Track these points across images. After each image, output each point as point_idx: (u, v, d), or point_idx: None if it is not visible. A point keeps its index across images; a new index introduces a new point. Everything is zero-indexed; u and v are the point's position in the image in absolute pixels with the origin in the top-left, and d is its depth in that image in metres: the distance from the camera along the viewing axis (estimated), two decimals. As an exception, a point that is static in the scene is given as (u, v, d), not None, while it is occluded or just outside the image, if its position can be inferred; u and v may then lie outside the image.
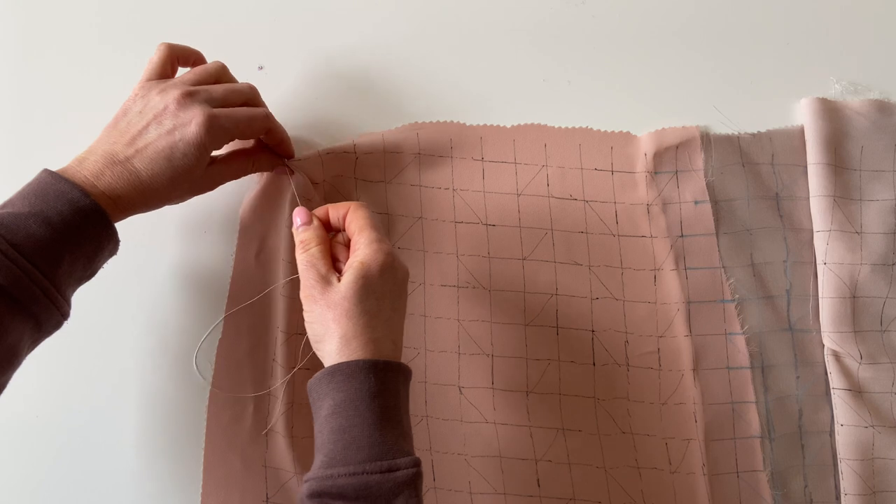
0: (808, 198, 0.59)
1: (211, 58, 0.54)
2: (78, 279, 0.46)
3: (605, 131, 0.60)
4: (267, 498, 0.54)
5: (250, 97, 0.51)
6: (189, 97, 0.47)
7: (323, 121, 0.60)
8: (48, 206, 0.42)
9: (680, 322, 0.57)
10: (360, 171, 0.58)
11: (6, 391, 0.43)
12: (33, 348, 0.45)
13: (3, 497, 0.55)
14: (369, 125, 0.59)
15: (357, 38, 0.61)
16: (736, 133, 0.60)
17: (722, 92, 0.61)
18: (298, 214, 0.50)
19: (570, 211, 0.58)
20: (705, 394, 0.56)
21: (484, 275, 0.58)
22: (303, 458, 0.55)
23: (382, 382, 0.42)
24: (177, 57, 0.52)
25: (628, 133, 0.60)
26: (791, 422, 0.57)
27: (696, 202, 0.59)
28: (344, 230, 0.49)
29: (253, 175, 0.56)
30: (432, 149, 0.59)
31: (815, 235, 0.58)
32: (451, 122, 0.60)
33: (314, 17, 0.62)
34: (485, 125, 0.60)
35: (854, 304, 0.57)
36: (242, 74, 0.59)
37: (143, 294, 0.57)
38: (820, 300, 0.57)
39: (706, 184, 0.58)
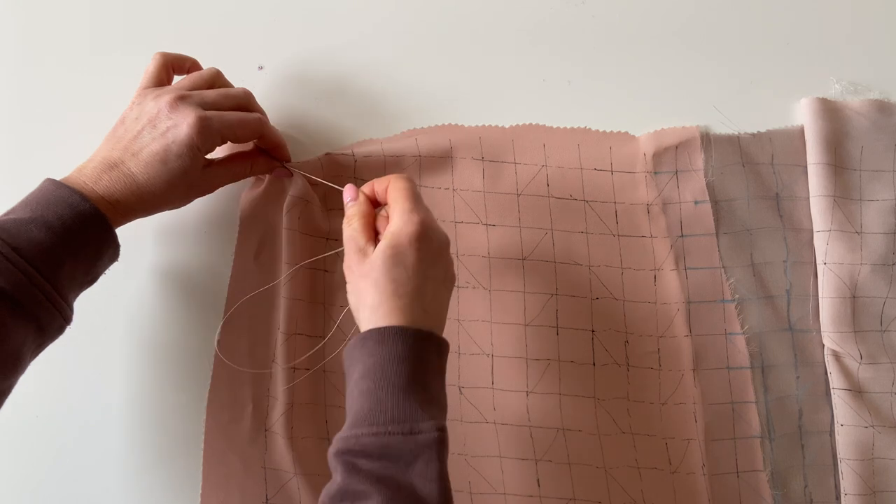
0: (808, 198, 0.59)
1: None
2: (80, 284, 0.47)
3: (605, 131, 0.60)
4: (267, 499, 0.54)
5: (244, 102, 0.52)
6: (181, 100, 0.48)
7: (323, 120, 0.60)
8: (49, 212, 0.43)
9: (680, 322, 0.57)
10: (360, 172, 0.58)
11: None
12: (37, 354, 0.45)
13: (3, 497, 0.55)
14: (369, 124, 0.60)
15: (357, 38, 0.61)
16: (736, 133, 0.60)
17: (722, 92, 0.61)
18: (347, 191, 0.51)
19: (570, 211, 0.58)
20: (705, 394, 0.56)
21: (484, 275, 0.58)
22: (303, 458, 0.55)
23: (410, 348, 0.43)
24: (172, 64, 0.53)
25: (627, 133, 0.60)
26: (791, 422, 0.57)
27: (696, 202, 0.59)
28: (387, 203, 0.50)
29: (251, 177, 0.56)
30: (432, 151, 0.59)
31: (815, 235, 0.58)
32: (451, 123, 0.60)
33: (314, 17, 0.62)
34: (484, 125, 0.60)
35: (854, 304, 0.57)
36: (242, 74, 0.60)
37: (141, 294, 0.57)
38: (820, 300, 0.57)
39: (706, 184, 0.58)
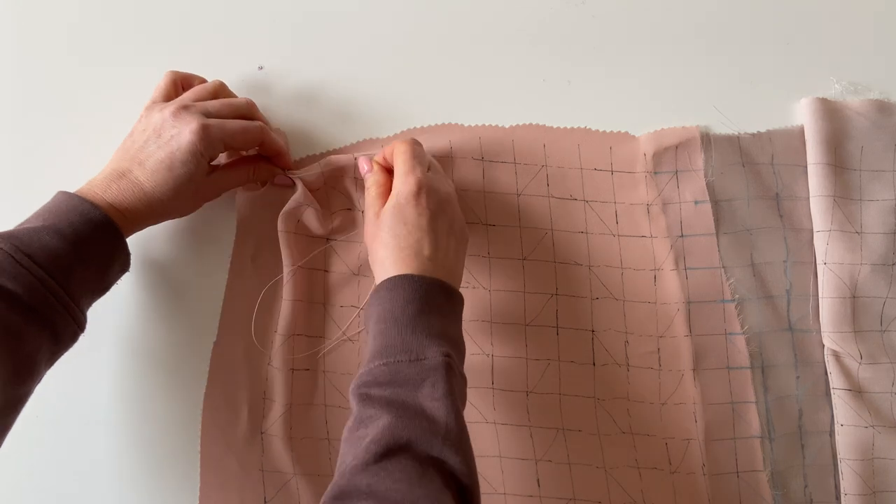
0: (808, 198, 0.59)
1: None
2: (91, 292, 0.48)
3: (605, 131, 0.60)
4: (265, 501, 0.54)
5: (245, 111, 0.54)
6: (184, 109, 0.50)
7: (323, 120, 0.60)
8: (60, 220, 0.45)
9: (680, 322, 0.57)
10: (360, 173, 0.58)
11: None
12: (52, 362, 0.46)
13: (2, 498, 0.55)
14: (369, 124, 0.60)
15: (357, 38, 0.61)
16: (736, 133, 0.60)
17: (722, 92, 0.61)
18: (361, 162, 0.55)
19: (570, 211, 0.58)
20: (705, 394, 0.56)
21: (484, 275, 0.58)
22: (302, 458, 0.55)
23: (415, 291, 0.46)
24: (181, 82, 0.55)
25: (627, 133, 0.60)
26: (791, 422, 0.57)
27: (696, 202, 0.59)
28: None
29: None
30: (432, 151, 0.59)
31: (815, 235, 0.58)
32: (451, 123, 0.60)
33: (314, 17, 0.62)
34: (484, 125, 0.60)
35: (854, 304, 0.57)
36: (242, 74, 0.60)
37: (138, 296, 0.57)
38: (820, 300, 0.57)
39: (706, 184, 0.58)
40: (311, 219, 0.56)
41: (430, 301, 0.46)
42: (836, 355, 0.57)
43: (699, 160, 0.59)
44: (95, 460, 0.55)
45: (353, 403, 0.44)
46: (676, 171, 0.59)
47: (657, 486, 0.55)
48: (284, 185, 0.56)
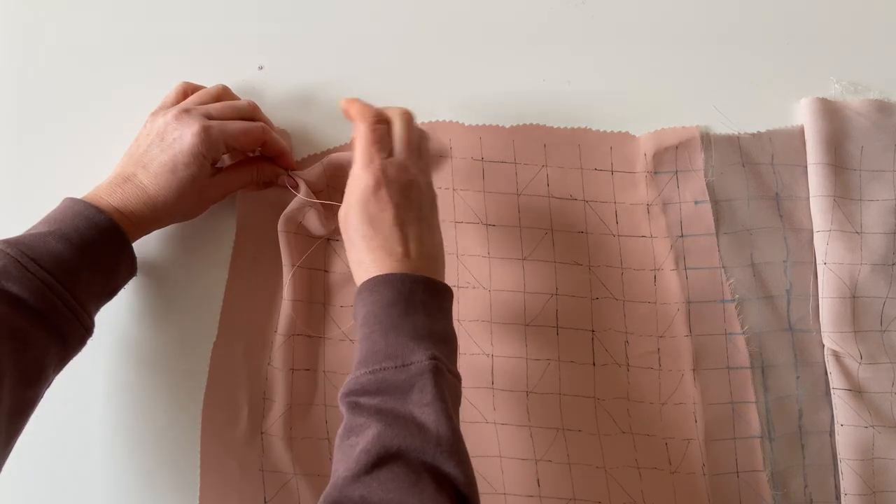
0: (808, 198, 0.59)
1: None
2: (98, 296, 0.48)
3: (605, 131, 0.60)
4: (265, 501, 0.54)
5: (247, 113, 0.54)
6: (186, 113, 0.50)
7: (323, 119, 0.60)
8: (66, 225, 0.46)
9: (680, 322, 0.57)
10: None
11: None
12: (61, 367, 0.46)
13: (1, 499, 0.55)
14: (369, 125, 0.59)
15: (357, 37, 0.61)
16: (736, 133, 0.60)
17: (722, 92, 0.61)
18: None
19: (570, 211, 0.58)
20: (705, 394, 0.56)
21: (484, 275, 0.58)
22: (302, 458, 0.54)
23: (396, 293, 0.45)
24: (190, 93, 0.55)
25: (627, 133, 0.60)
26: (791, 422, 0.57)
27: (696, 202, 0.59)
28: None
29: None
30: (432, 150, 0.59)
31: (815, 235, 0.58)
32: (451, 122, 0.60)
33: (314, 16, 0.62)
34: (484, 125, 0.60)
35: (854, 304, 0.57)
36: (242, 74, 0.60)
37: (138, 296, 0.57)
38: (820, 300, 0.57)
39: (706, 184, 0.58)
40: (312, 221, 0.56)
41: (413, 300, 0.45)
42: (836, 355, 0.57)
43: (699, 160, 0.59)
44: (95, 460, 0.55)
45: (343, 410, 0.44)
46: (676, 171, 0.59)
47: (657, 486, 0.55)
48: (288, 185, 0.56)
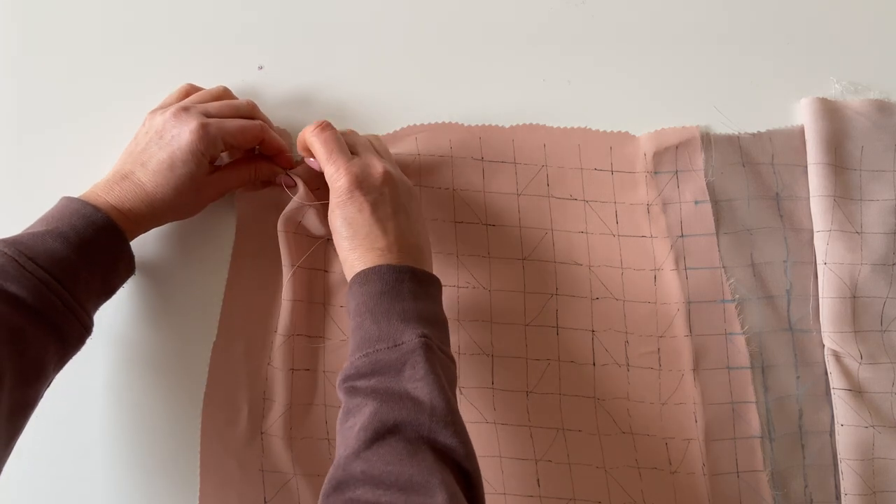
0: (809, 198, 0.59)
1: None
2: (97, 295, 0.48)
3: (605, 131, 0.60)
4: (265, 501, 0.54)
5: (246, 111, 0.54)
6: (184, 111, 0.50)
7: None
8: (63, 223, 0.46)
9: (680, 322, 0.57)
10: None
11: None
12: (61, 366, 0.46)
13: (1, 500, 0.55)
14: (369, 124, 0.59)
15: (356, 37, 0.61)
16: (736, 133, 0.60)
17: (722, 92, 0.61)
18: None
19: (570, 211, 0.58)
20: (705, 394, 0.56)
21: (484, 275, 0.58)
22: (302, 458, 0.54)
23: (384, 282, 0.46)
24: (191, 94, 0.55)
25: (627, 133, 0.60)
26: (791, 422, 0.57)
27: (696, 202, 0.59)
28: None
29: None
30: (431, 150, 0.59)
31: (816, 235, 0.58)
32: (450, 122, 0.60)
33: (314, 16, 0.62)
34: (484, 125, 0.60)
35: (854, 304, 0.57)
36: (242, 74, 0.60)
37: (138, 296, 0.57)
38: (820, 300, 0.57)
39: (706, 184, 0.58)
40: (312, 220, 0.56)
41: (400, 289, 0.46)
42: (837, 355, 0.57)
43: (699, 160, 0.59)
44: (95, 460, 0.55)
45: (341, 397, 0.45)
46: (676, 171, 0.59)
47: (657, 486, 0.55)
48: (286, 184, 0.56)
